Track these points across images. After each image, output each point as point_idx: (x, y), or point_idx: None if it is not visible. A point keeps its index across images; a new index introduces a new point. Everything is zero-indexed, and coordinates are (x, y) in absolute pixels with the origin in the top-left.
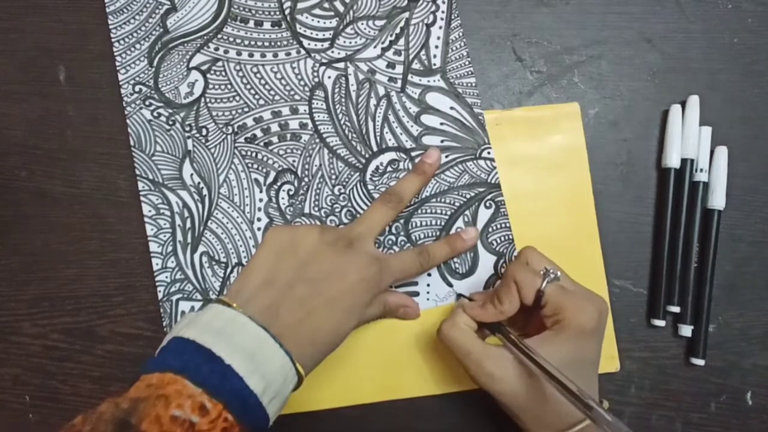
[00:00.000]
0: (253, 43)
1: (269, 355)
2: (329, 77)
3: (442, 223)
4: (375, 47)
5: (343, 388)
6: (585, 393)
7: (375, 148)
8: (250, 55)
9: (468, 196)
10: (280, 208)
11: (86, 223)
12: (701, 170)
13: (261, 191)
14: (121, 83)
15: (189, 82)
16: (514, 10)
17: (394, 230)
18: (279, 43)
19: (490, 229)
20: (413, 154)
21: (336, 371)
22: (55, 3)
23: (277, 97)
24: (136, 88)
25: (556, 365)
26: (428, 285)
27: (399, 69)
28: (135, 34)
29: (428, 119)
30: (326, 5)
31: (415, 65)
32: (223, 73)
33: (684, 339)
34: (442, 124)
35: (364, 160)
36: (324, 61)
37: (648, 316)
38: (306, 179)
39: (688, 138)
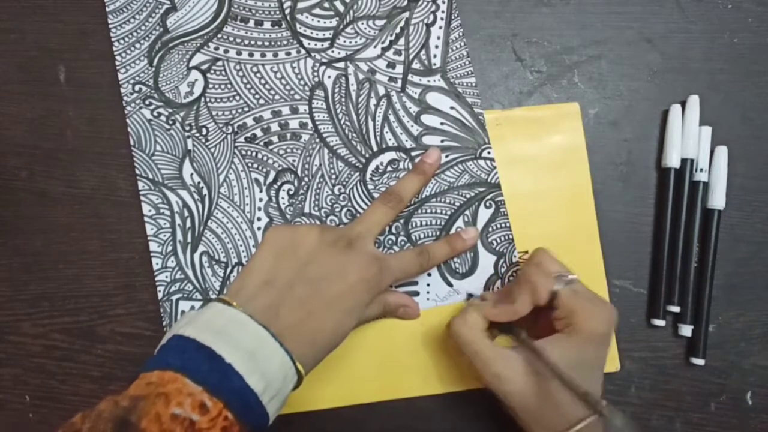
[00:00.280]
0: (253, 42)
1: (269, 354)
2: (329, 77)
3: (442, 223)
4: (375, 47)
5: (343, 388)
6: (592, 395)
7: (375, 148)
8: (250, 54)
9: (468, 196)
10: (280, 208)
11: (86, 223)
12: (701, 170)
13: (261, 191)
14: (121, 83)
15: (189, 82)
16: (514, 10)
17: (394, 230)
18: (279, 43)
19: (490, 229)
20: (413, 153)
21: (336, 371)
22: (55, 3)
23: (277, 97)
24: (136, 88)
25: (564, 367)
26: (428, 285)
27: (399, 69)
28: (135, 34)
29: (428, 119)
30: (326, 5)
31: (415, 65)
32: (223, 73)
33: (684, 339)
34: (442, 123)
35: (364, 160)
36: (324, 60)
37: (648, 316)
38: (306, 179)
39: (688, 138)
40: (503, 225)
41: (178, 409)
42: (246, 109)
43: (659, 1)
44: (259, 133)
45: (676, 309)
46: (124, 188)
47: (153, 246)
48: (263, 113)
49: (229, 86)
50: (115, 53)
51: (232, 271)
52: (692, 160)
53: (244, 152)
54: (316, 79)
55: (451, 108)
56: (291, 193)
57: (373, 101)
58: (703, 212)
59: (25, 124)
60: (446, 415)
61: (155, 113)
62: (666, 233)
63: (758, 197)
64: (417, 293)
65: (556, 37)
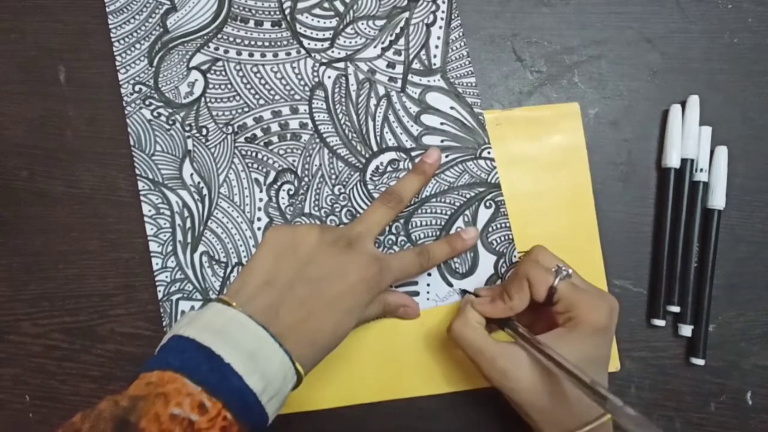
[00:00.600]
0: (253, 42)
1: (269, 355)
2: (329, 77)
3: (442, 223)
4: (375, 47)
5: (343, 388)
6: (598, 383)
7: (375, 148)
8: (250, 54)
9: (468, 196)
10: (280, 208)
11: (86, 223)
12: (701, 170)
13: (261, 191)
14: (121, 83)
15: (189, 82)
16: (514, 10)
17: (394, 230)
18: (279, 43)
19: (490, 229)
20: (413, 153)
21: (336, 371)
22: (55, 3)
23: (277, 97)
24: (136, 88)
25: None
26: (428, 285)
27: (399, 69)
28: (135, 34)
29: (428, 119)
30: (326, 5)
31: (415, 65)
32: (223, 73)
33: (684, 339)
34: (442, 123)
35: (364, 160)
36: (324, 60)
37: (648, 316)
38: (306, 179)
39: (688, 138)
40: (503, 225)
41: (177, 409)
42: (246, 109)
43: (659, 1)
44: (259, 133)
45: (676, 309)
46: (124, 188)
47: (153, 246)
48: (263, 113)
49: (229, 86)
50: (115, 53)
51: (232, 271)
52: (692, 160)
53: (244, 152)
54: (316, 80)
55: (451, 108)
56: (291, 193)
57: (373, 101)
58: (703, 212)
59: (25, 124)
60: (447, 415)
61: (155, 113)
62: (666, 233)
63: (758, 197)
64: (417, 293)
65: (556, 37)
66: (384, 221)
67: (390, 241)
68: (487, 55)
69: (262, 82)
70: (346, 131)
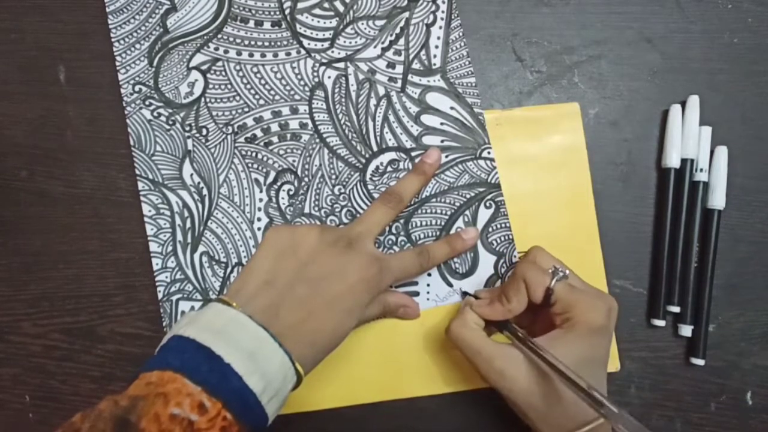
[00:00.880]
0: (253, 43)
1: (269, 355)
2: (329, 77)
3: (442, 223)
4: (375, 47)
5: (343, 388)
6: (595, 389)
7: (375, 148)
8: (250, 54)
9: (468, 196)
10: (280, 208)
11: (86, 223)
12: (701, 170)
13: (261, 191)
14: (121, 83)
15: (189, 82)
16: (514, 10)
17: (394, 230)
18: (279, 43)
19: (490, 229)
20: (413, 154)
21: (336, 371)
22: (55, 3)
23: (277, 97)
24: (136, 88)
25: (566, 364)
26: (428, 285)
27: (399, 69)
28: (135, 34)
29: (428, 119)
30: (326, 5)
31: (415, 65)
32: (223, 73)
33: (684, 339)
34: (442, 124)
35: (364, 160)
36: (324, 61)
37: (648, 316)
38: (306, 179)
39: (688, 138)
40: (503, 225)
41: (177, 409)
42: (246, 109)
43: (659, 1)
44: (259, 133)
45: (676, 309)
46: (124, 188)
47: (153, 246)
48: (263, 113)
49: (229, 86)
50: (115, 53)
51: (232, 272)
52: (692, 160)
53: (244, 152)
54: (316, 80)
55: (451, 108)
56: (291, 193)
57: (373, 101)
58: (703, 212)
59: (25, 124)
60: (447, 415)
61: (155, 113)
62: (666, 233)
63: (758, 197)
64: (417, 293)
65: (556, 37)
66: (384, 221)
67: (390, 241)
68: (487, 55)
69: (262, 82)
70: (346, 131)
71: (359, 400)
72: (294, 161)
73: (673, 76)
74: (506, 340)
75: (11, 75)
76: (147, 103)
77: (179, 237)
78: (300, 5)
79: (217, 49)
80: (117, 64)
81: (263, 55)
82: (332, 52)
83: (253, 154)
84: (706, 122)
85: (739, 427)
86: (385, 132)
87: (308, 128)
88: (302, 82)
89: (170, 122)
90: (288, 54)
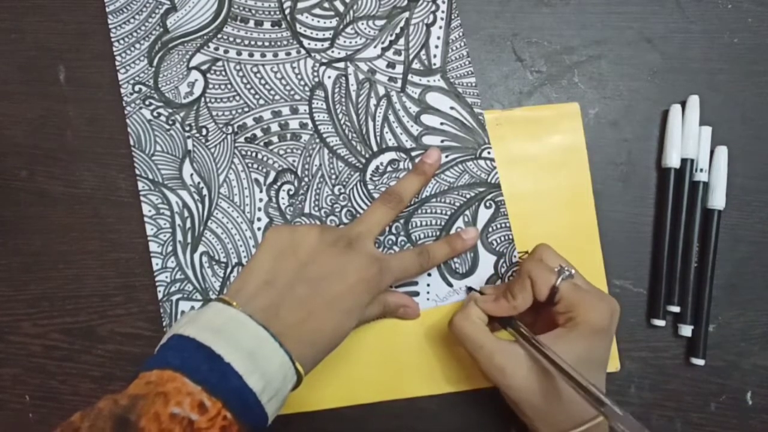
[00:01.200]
0: (253, 42)
1: (269, 354)
2: (329, 77)
3: (442, 223)
4: (375, 47)
5: (343, 388)
6: (597, 388)
7: (375, 148)
8: (250, 54)
9: (468, 196)
10: (280, 208)
11: (86, 223)
12: (701, 170)
13: (261, 191)
14: (120, 83)
15: (189, 82)
16: (514, 10)
17: (394, 230)
18: (279, 43)
19: (490, 229)
20: (413, 154)
21: (336, 371)
22: (55, 3)
23: (277, 97)
24: (136, 88)
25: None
26: (428, 285)
27: (399, 69)
28: (135, 34)
29: (428, 119)
30: (326, 5)
31: (415, 65)
32: (223, 73)
33: (684, 339)
34: (442, 124)
35: (364, 160)
36: (324, 60)
37: (648, 316)
38: (306, 179)
39: (688, 138)
40: (503, 225)
41: (177, 409)
42: (246, 109)
43: (659, 1)
44: (259, 133)
45: (676, 309)
46: (124, 188)
47: (153, 246)
48: (263, 113)
49: (229, 86)
50: (115, 53)
51: (232, 272)
52: (692, 160)
53: (244, 152)
54: (316, 80)
55: (451, 108)
56: (291, 193)
57: (373, 101)
58: (703, 212)
59: (25, 124)
60: (447, 415)
61: (155, 113)
62: (666, 233)
63: (758, 197)
64: (417, 293)
65: (556, 37)
66: (384, 221)
67: (390, 241)
68: (487, 55)
69: (262, 82)
70: (346, 131)
71: (359, 400)
72: (294, 161)
73: (673, 76)
74: (509, 337)
75: (11, 75)
76: (147, 103)
77: (179, 237)
78: (300, 5)
79: (217, 49)
80: (117, 64)
81: (263, 55)
82: (332, 52)
83: (253, 154)
84: (706, 122)
85: (739, 427)
86: (385, 132)
87: (308, 128)
88: (302, 82)
89: (170, 122)
90: (288, 54)
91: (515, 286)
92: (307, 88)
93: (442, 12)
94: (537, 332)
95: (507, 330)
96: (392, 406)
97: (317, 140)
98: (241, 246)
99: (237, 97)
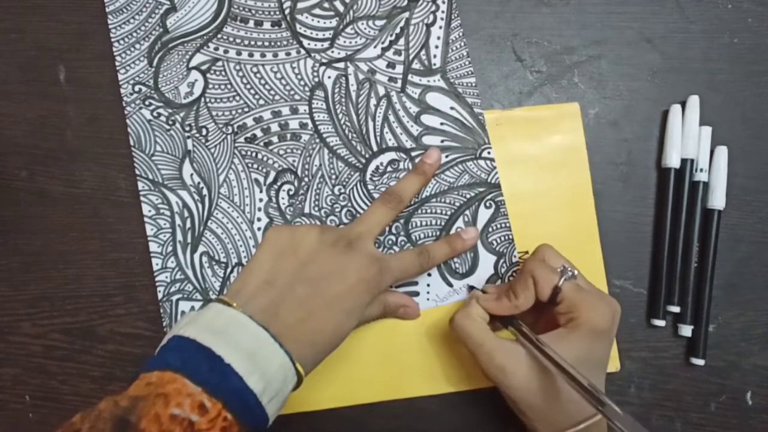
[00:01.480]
0: (253, 43)
1: (269, 355)
2: (329, 77)
3: (442, 223)
4: (375, 47)
5: (343, 388)
6: (597, 388)
7: (375, 148)
8: (250, 54)
9: (468, 196)
10: (280, 208)
11: (86, 223)
12: (701, 170)
13: (261, 191)
14: (120, 83)
15: (189, 82)
16: (514, 10)
17: (394, 230)
18: (279, 43)
19: (490, 229)
20: (413, 154)
21: (336, 371)
22: (55, 3)
23: (277, 97)
24: (136, 88)
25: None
26: (428, 285)
27: (399, 69)
28: (135, 34)
29: (428, 119)
30: (326, 5)
31: (415, 65)
32: (223, 73)
33: (684, 339)
34: (442, 124)
35: (364, 160)
36: (324, 61)
37: (648, 316)
38: (306, 179)
39: (688, 138)
40: (503, 225)
41: (178, 410)
42: (246, 109)
43: (659, 1)
44: (259, 133)
45: (676, 309)
46: (124, 188)
47: (153, 246)
48: (263, 113)
49: (229, 86)
50: (115, 53)
51: (232, 272)
52: (692, 160)
53: (244, 152)
54: (316, 80)
55: (451, 108)
56: (291, 193)
57: (373, 101)
58: (703, 212)
59: (25, 124)
60: (447, 415)
61: (155, 113)
62: (666, 233)
63: (758, 197)
64: (417, 293)
65: (556, 37)
66: (384, 221)
67: (390, 241)
68: (487, 55)
69: (262, 82)
70: (346, 131)
71: (359, 400)
72: (294, 161)
73: (673, 76)
74: (510, 336)
75: (11, 75)
76: (147, 103)
77: (179, 237)
78: (300, 5)
79: (216, 49)
80: (117, 64)
81: (263, 55)
82: (332, 52)
83: (253, 154)
84: (706, 122)
85: (739, 427)
86: (385, 132)
87: (308, 128)
88: (302, 82)
89: (170, 122)
90: (288, 54)
91: (517, 285)
92: (307, 88)
93: (442, 12)
94: (538, 332)
95: (508, 329)
96: (392, 406)
97: (317, 140)
98: (241, 246)
99: (237, 97)
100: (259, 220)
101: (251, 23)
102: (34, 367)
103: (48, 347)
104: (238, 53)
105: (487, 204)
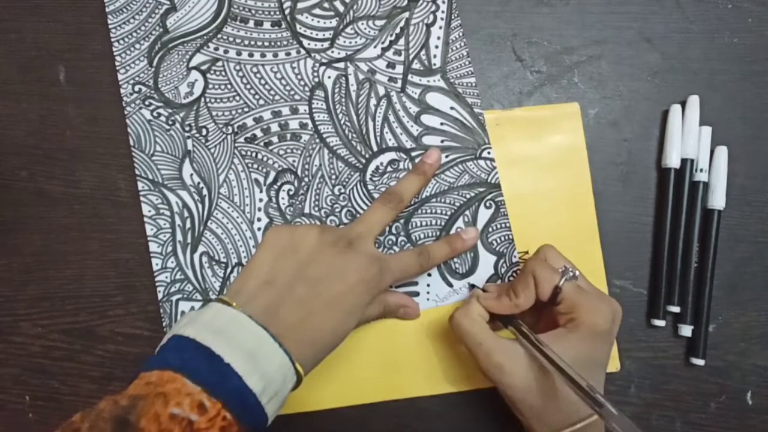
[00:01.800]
0: (253, 43)
1: (269, 355)
2: (329, 77)
3: (442, 223)
4: (375, 47)
5: (343, 388)
6: (595, 389)
7: (375, 148)
8: (250, 54)
9: (468, 196)
10: (280, 208)
11: (86, 223)
12: (701, 170)
13: (261, 191)
14: (120, 83)
15: (189, 82)
16: (514, 10)
17: (394, 230)
18: (279, 43)
19: (490, 229)
20: (413, 154)
21: (336, 371)
22: (55, 3)
23: (277, 97)
24: (136, 88)
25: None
26: (428, 285)
27: (399, 69)
28: (134, 34)
29: (428, 119)
30: (326, 5)
31: (415, 65)
32: (223, 73)
33: (684, 339)
34: (442, 124)
35: (364, 160)
36: (324, 61)
37: (648, 316)
38: (306, 179)
39: (688, 138)
40: (503, 225)
41: (177, 409)
42: (246, 109)
43: (659, 1)
44: (259, 133)
45: (676, 309)
46: (124, 188)
47: (153, 246)
48: (263, 113)
49: (229, 86)
50: (115, 53)
51: (232, 272)
52: (692, 160)
53: (244, 152)
54: (316, 80)
55: (451, 108)
56: (291, 193)
57: (373, 101)
58: (703, 212)
59: (25, 124)
60: (447, 415)
61: (155, 113)
62: (666, 233)
63: (758, 197)
64: (417, 293)
65: (556, 37)
66: (384, 221)
67: (390, 242)
68: (487, 55)
69: (262, 82)
70: (346, 131)
71: (359, 400)
72: (294, 161)
73: (673, 76)
74: (510, 336)
75: (11, 75)
76: (147, 103)
77: (179, 237)
78: (300, 5)
79: (216, 49)
80: (117, 64)
81: (263, 55)
82: (332, 52)
83: (253, 154)
84: (706, 122)
85: (739, 427)
86: (385, 132)
87: (308, 128)
88: (302, 82)
89: (170, 122)
90: (288, 54)
91: (518, 284)
92: (307, 88)
93: (442, 12)
94: (537, 333)
95: (508, 329)
96: (392, 406)
97: (317, 140)
98: (241, 246)
99: (237, 97)
100: (259, 220)
101: (251, 23)
102: (34, 367)
103: (48, 347)
104: (238, 53)
105: (487, 204)
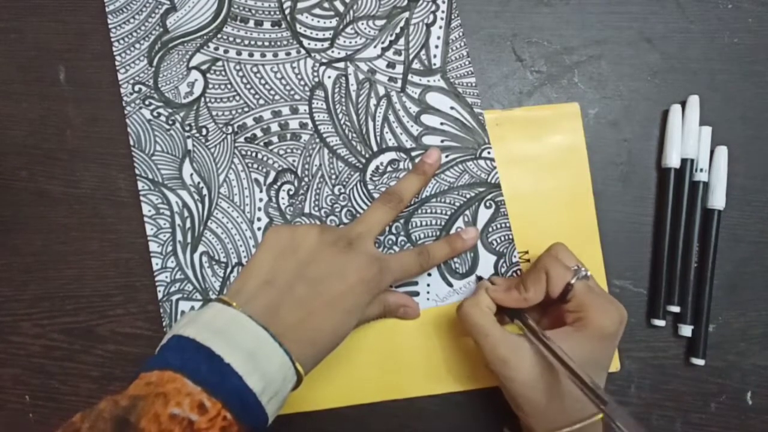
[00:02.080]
0: (253, 42)
1: (269, 355)
2: (329, 77)
3: (442, 223)
4: (375, 47)
5: (343, 388)
6: (599, 386)
7: (375, 148)
8: (250, 54)
9: (468, 196)
10: (280, 208)
11: (86, 223)
12: (701, 170)
13: (261, 191)
14: (120, 83)
15: (189, 82)
16: (514, 10)
17: (394, 230)
18: (279, 43)
19: (490, 229)
20: (413, 154)
21: (336, 371)
22: (55, 3)
23: (277, 97)
24: (136, 88)
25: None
26: (428, 285)
27: (399, 69)
28: (134, 34)
29: (428, 119)
30: (326, 5)
31: (415, 65)
32: (223, 73)
33: (684, 339)
34: (442, 124)
35: (364, 160)
36: (324, 60)
37: (648, 316)
38: (306, 179)
39: (688, 138)
40: (503, 225)
41: (177, 409)
42: (246, 109)
43: (659, 1)
44: (259, 133)
45: (676, 309)
46: (124, 188)
47: (153, 246)
48: (263, 113)
49: (229, 86)
50: (115, 53)
51: (232, 272)
52: (692, 160)
53: (244, 152)
54: (316, 79)
55: (451, 108)
56: (291, 193)
57: (373, 101)
58: (703, 212)
59: (25, 124)
60: (446, 415)
61: (155, 113)
62: (666, 233)
63: (758, 197)
64: (417, 293)
65: (556, 37)
66: (384, 221)
67: (390, 241)
68: (487, 55)
69: (262, 82)
70: (346, 131)
71: (359, 400)
72: (294, 161)
73: (673, 76)
74: (517, 331)
75: (11, 75)
76: (147, 102)
77: (179, 237)
78: (300, 5)
79: (216, 48)
80: (117, 63)
81: (263, 55)
82: (332, 52)
83: (253, 154)
84: (706, 122)
85: (739, 427)
86: (385, 132)
87: (308, 128)
88: (302, 82)
89: (170, 122)
90: (288, 54)
91: (529, 278)
92: (307, 88)
93: (442, 12)
94: (543, 329)
95: (514, 323)
96: (392, 406)
97: (317, 140)
98: (241, 246)
99: (237, 97)
100: (259, 220)
101: (251, 23)
102: (34, 367)
103: (48, 347)
104: (238, 53)
105: (487, 204)
